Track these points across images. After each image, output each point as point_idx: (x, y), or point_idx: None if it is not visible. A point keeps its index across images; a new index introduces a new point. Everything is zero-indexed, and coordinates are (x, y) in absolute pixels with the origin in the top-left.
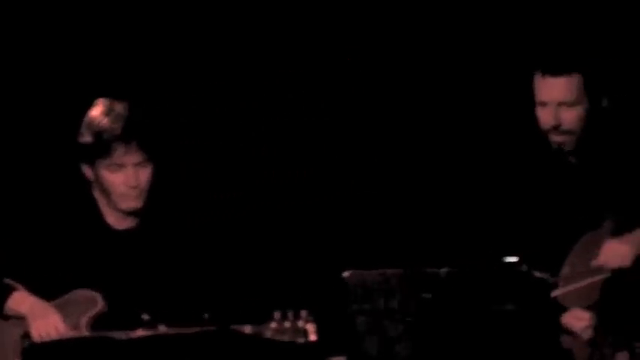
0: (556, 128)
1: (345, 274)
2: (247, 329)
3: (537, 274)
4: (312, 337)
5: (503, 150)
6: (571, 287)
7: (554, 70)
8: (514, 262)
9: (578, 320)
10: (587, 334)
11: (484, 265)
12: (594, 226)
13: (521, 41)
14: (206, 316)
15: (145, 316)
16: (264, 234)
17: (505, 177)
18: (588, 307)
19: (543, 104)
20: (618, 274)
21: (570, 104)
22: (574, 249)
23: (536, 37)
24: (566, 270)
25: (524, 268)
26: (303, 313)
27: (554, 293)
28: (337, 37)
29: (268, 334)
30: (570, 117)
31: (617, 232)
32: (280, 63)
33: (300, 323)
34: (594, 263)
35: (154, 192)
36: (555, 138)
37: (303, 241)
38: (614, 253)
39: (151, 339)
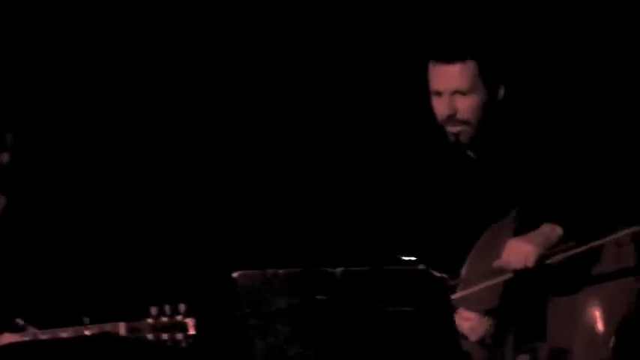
0: (451, 118)
1: (235, 274)
2: (122, 327)
3: (436, 273)
4: (191, 331)
5: (399, 145)
6: (471, 290)
7: (447, 57)
8: (411, 261)
9: (464, 321)
10: (474, 336)
11: (381, 264)
12: (496, 222)
13: (414, 30)
14: (86, 320)
15: (20, 321)
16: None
17: (402, 172)
18: (490, 310)
19: (438, 94)
20: (521, 275)
21: (465, 92)
22: (475, 247)
23: (429, 24)
24: (466, 270)
25: (422, 267)
26: (182, 307)
27: (454, 296)
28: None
29: (145, 330)
30: (465, 106)
31: (521, 229)
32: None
33: (179, 317)
34: (496, 264)
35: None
36: (451, 129)
37: (191, 239)
38: (517, 253)
39: (22, 345)
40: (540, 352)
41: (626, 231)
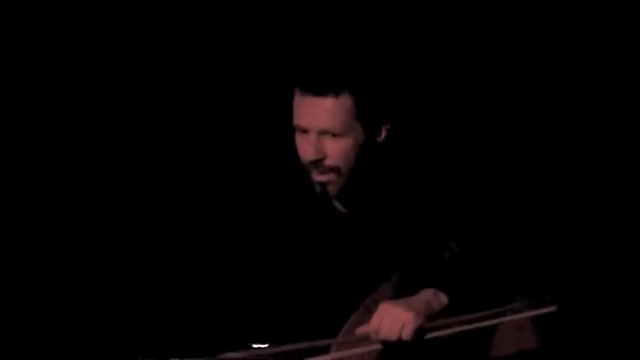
0: (317, 163)
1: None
2: None
3: None
4: None
5: (258, 197)
6: (332, 356)
7: (318, 88)
8: (262, 349)
9: None
10: None
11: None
12: (374, 289)
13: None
14: None
15: None
16: None
17: (254, 231)
18: None
19: (303, 131)
20: (391, 349)
21: (337, 134)
22: (352, 317)
23: (297, 50)
24: (339, 339)
25: None
26: None
27: None
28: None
29: None
30: (336, 150)
31: (401, 293)
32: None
33: None
34: (360, 330)
35: None
36: (317, 177)
37: None
38: (390, 320)
39: None
40: None
41: (529, 312)
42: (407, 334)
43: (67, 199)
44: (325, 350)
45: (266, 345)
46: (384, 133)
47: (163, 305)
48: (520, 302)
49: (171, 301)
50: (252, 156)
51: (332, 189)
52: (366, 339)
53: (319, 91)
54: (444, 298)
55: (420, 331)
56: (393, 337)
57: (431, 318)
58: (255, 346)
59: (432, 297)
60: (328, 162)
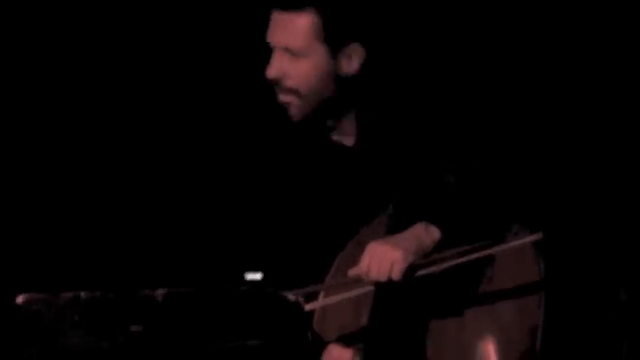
0: (277, 83)
1: (19, 298)
2: None
3: (291, 296)
4: None
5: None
6: (320, 302)
7: (281, 2)
8: (256, 281)
9: None
10: None
11: (218, 284)
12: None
13: None
14: None
15: None
16: None
17: (238, 161)
18: (357, 341)
19: (272, 48)
20: (384, 290)
21: (296, 53)
22: (339, 257)
23: None
24: (328, 280)
25: (271, 290)
26: None
27: (308, 307)
28: None
29: None
30: (295, 71)
31: (394, 231)
32: None
33: None
34: (352, 272)
35: None
36: (281, 97)
37: None
38: (379, 260)
39: None
40: None
41: (527, 238)
42: (397, 274)
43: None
44: (315, 296)
45: (260, 274)
46: (355, 62)
47: (158, 234)
48: (515, 231)
49: (167, 232)
50: (242, 85)
51: (293, 112)
52: (358, 281)
53: (282, 5)
54: (436, 233)
55: (411, 269)
56: (383, 277)
57: (423, 255)
58: (249, 275)
59: (422, 232)
60: (287, 83)
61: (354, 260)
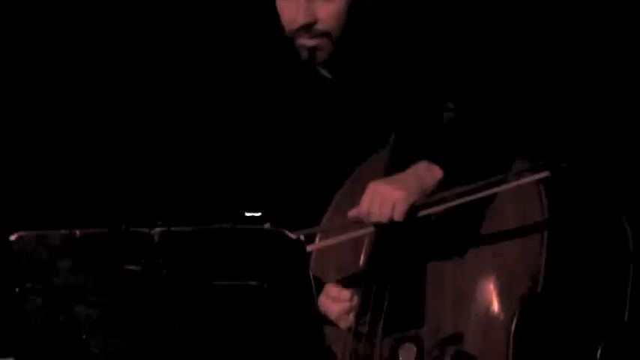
0: (307, 28)
1: (13, 236)
2: None
3: (291, 235)
4: None
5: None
6: (321, 244)
7: None
8: (256, 218)
9: (332, 302)
10: (345, 322)
11: (219, 221)
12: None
13: None
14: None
15: None
16: None
17: (237, 102)
18: (356, 282)
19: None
20: (385, 231)
21: None
22: (338, 194)
23: None
24: (326, 221)
25: (270, 226)
26: None
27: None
28: None
29: None
30: (328, 12)
31: (394, 169)
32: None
33: None
34: (352, 213)
35: None
36: (306, 41)
37: None
38: (380, 200)
39: None
40: (427, 340)
41: (531, 177)
42: (399, 214)
43: None
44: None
45: (259, 213)
46: None
47: (155, 173)
48: (519, 169)
49: (165, 169)
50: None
51: (321, 55)
52: (358, 222)
53: None
54: (438, 172)
55: (413, 209)
56: (385, 218)
57: (425, 195)
58: (247, 214)
59: (424, 171)
60: (320, 26)
61: (353, 200)
